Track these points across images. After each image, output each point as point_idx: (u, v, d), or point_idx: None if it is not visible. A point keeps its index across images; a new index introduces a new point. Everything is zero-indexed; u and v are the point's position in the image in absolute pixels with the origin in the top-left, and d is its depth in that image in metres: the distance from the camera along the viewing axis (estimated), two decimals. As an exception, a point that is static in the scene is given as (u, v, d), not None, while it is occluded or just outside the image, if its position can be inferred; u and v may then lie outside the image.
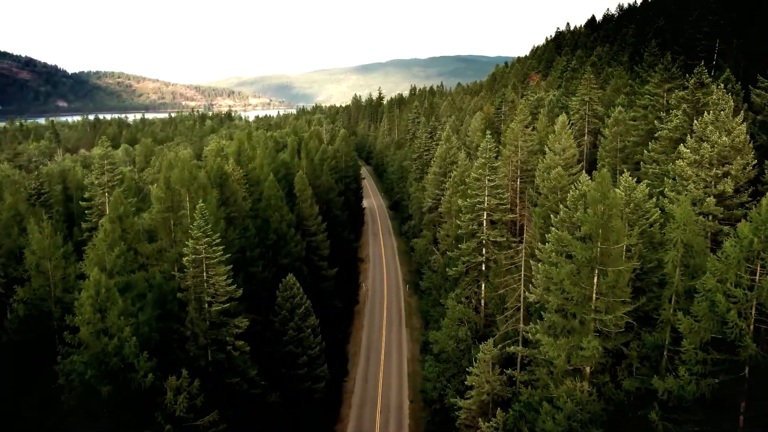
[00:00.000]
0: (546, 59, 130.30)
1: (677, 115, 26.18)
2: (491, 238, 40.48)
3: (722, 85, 27.38)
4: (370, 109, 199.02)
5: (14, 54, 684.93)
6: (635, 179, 23.59)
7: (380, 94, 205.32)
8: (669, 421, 16.73)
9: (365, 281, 75.90)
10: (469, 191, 41.87)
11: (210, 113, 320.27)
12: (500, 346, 30.46)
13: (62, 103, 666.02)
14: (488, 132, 58.02)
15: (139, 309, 22.95)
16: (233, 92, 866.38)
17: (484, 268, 42.31)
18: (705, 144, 23.14)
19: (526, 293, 25.71)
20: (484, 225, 41.50)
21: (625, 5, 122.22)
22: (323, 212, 61.17)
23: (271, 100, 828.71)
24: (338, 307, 47.90)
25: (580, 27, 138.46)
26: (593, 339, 18.51)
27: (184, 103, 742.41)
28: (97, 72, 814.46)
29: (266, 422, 29.81)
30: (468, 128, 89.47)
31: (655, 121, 33.51)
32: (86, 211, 43.54)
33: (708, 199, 22.60)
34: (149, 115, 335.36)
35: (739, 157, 23.51)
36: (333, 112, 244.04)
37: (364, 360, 54.91)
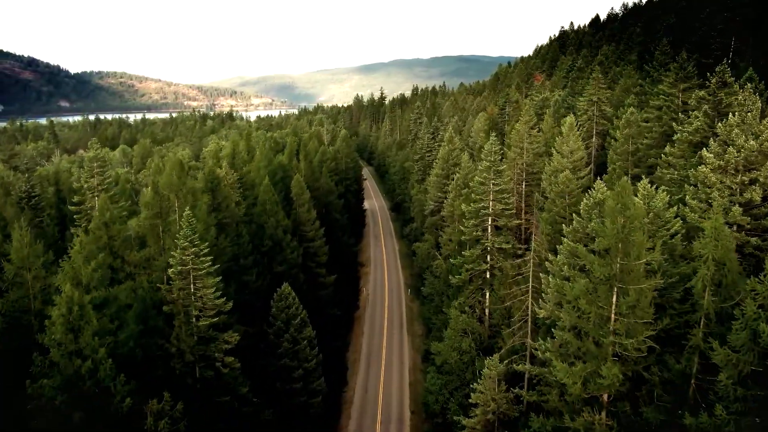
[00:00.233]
0: (550, 59, 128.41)
1: (697, 117, 24.41)
2: (496, 245, 38.68)
3: (747, 84, 25.50)
4: (372, 110, 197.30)
5: (17, 54, 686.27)
6: (653, 186, 21.74)
7: (382, 94, 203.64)
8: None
9: (366, 285, 74.24)
10: (473, 195, 40.08)
11: (211, 113, 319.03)
12: (507, 362, 28.66)
13: (65, 103, 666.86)
14: (492, 133, 56.37)
15: (118, 326, 21.25)
16: (236, 92, 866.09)
17: (488, 276, 40.51)
18: (730, 148, 21.33)
19: (536, 308, 23.89)
20: (489, 231, 39.70)
21: (630, 4, 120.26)
22: (322, 216, 59.43)
23: (273, 100, 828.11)
24: (337, 315, 46.12)
25: (584, 26, 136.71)
26: (613, 365, 16.75)
27: (186, 103, 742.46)
28: (100, 72, 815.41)
29: (259, 441, 28.16)
30: (471, 129, 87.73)
31: (672, 123, 31.65)
32: (75, 216, 41.92)
33: (734, 208, 20.79)
34: (150, 115, 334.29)
35: (768, 163, 21.70)
36: (335, 113, 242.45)
37: (364, 368, 53.19)
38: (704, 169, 22.04)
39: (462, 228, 40.53)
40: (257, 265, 37.33)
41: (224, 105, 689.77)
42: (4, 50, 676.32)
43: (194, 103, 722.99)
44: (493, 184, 38.95)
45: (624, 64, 66.12)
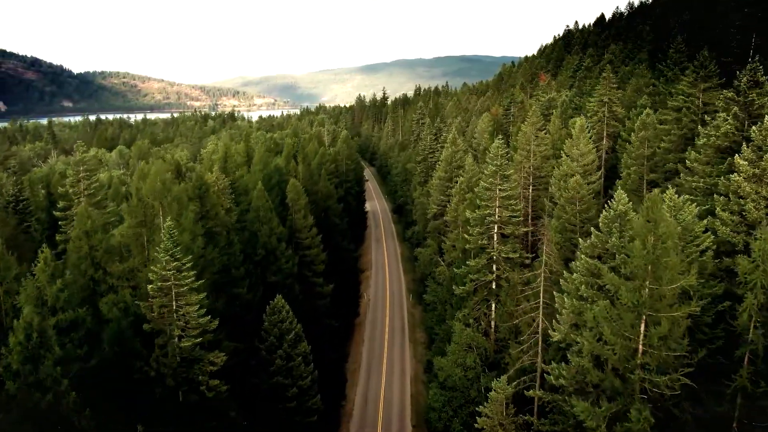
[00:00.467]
0: (555, 58, 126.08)
1: (726, 119, 22.30)
2: (503, 254, 36.49)
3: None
4: (374, 110, 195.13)
5: (20, 54, 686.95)
6: (680, 197, 19.54)
7: (384, 94, 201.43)
8: None
9: (367, 290, 72.21)
10: (478, 201, 37.89)
11: (213, 113, 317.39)
12: (515, 383, 26.50)
13: (67, 103, 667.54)
14: (498, 136, 54.10)
15: (88, 351, 19.18)
16: (238, 92, 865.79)
17: (494, 287, 38.33)
18: (767, 155, 19.18)
19: (548, 327, 21.73)
20: (495, 239, 37.51)
21: (636, 3, 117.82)
22: (321, 220, 57.30)
23: (275, 100, 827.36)
24: (335, 326, 44.00)
25: (589, 25, 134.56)
26: (643, 407, 14.62)
27: (189, 103, 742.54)
28: (103, 72, 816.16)
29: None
30: (474, 130, 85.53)
31: (697, 126, 29.44)
32: (60, 222, 39.95)
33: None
34: (152, 116, 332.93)
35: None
36: (337, 113, 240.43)
37: (364, 379, 51.10)
38: (737, 177, 19.85)
39: (466, 236, 38.37)
40: (249, 275, 35.25)
41: (227, 105, 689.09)
42: (8, 50, 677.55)
43: (197, 104, 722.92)
44: (500, 189, 36.77)
45: (634, 64, 63.79)
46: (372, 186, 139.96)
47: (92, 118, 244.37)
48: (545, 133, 51.60)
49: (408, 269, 78.38)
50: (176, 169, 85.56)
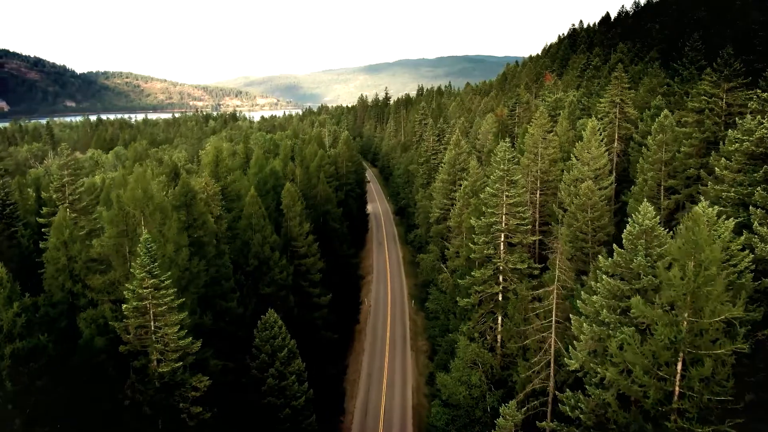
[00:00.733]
0: (560, 58, 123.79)
1: (762, 123, 20.10)
2: (510, 265, 34.30)
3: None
4: (377, 110, 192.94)
5: (23, 54, 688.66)
6: (713, 208, 17.28)
7: (387, 94, 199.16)
8: None
9: (368, 296, 70.23)
10: (483, 208, 35.71)
11: (215, 114, 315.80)
12: (525, 408, 24.33)
13: (70, 104, 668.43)
14: (503, 137, 51.91)
15: (49, 382, 17.13)
16: (241, 92, 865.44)
17: (501, 299, 36.13)
18: (812, 164, 17.06)
19: (561, 351, 19.56)
20: (501, 249, 35.30)
21: (643, 1, 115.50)
22: (319, 226, 55.22)
23: (278, 101, 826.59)
24: (333, 338, 41.89)
25: (594, 24, 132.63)
26: (683, 464, 12.53)
27: (192, 103, 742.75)
28: (106, 72, 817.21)
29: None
30: (478, 131, 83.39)
31: (720, 129, 27.27)
32: (43, 230, 37.88)
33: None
34: (153, 116, 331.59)
35: None
36: (339, 113, 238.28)
37: (363, 390, 49.06)
38: (777, 188, 17.73)
39: (471, 245, 36.19)
40: (241, 287, 33.18)
41: (229, 105, 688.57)
42: (11, 50, 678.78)
43: (200, 104, 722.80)
44: (507, 196, 34.57)
45: (645, 62, 61.42)
46: (374, 187, 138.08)
47: (93, 118, 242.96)
48: (553, 135, 49.39)
49: (410, 273, 76.36)
50: (173, 171, 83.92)
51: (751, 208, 18.22)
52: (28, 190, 62.36)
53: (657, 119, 32.06)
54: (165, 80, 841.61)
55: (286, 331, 30.67)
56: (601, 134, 41.02)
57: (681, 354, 13.38)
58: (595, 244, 35.72)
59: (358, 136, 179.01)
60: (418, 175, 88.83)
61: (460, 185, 60.56)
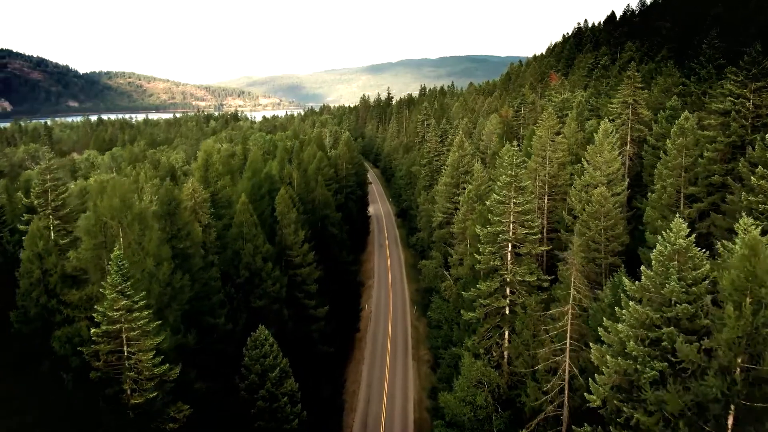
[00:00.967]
0: (565, 57, 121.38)
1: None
2: (518, 277, 32.09)
3: None
4: (379, 110, 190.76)
5: (26, 54, 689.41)
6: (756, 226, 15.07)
7: (389, 94, 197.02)
8: None
9: (368, 301, 68.21)
10: (489, 216, 33.50)
11: (216, 114, 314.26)
12: (536, 440, 22.14)
13: (73, 104, 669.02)
14: (508, 138, 49.72)
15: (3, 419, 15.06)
16: (243, 92, 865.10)
17: (508, 312, 33.93)
18: None
19: (584, 391, 17.37)
20: (509, 259, 33.09)
21: (649, 0, 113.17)
22: (317, 231, 53.13)
23: (281, 101, 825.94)
24: (330, 352, 39.79)
25: (599, 24, 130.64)
26: None
27: (194, 103, 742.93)
28: (108, 72, 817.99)
29: None
30: (482, 132, 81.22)
31: (747, 133, 25.06)
32: (23, 238, 35.83)
33: None
34: (154, 116, 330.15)
35: None
36: (340, 113, 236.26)
37: (363, 403, 46.99)
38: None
39: (476, 255, 33.99)
40: (231, 300, 31.08)
41: (232, 105, 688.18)
42: (14, 50, 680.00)
43: (202, 104, 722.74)
44: (515, 203, 32.36)
45: (655, 62, 59.07)
46: (375, 189, 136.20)
47: (94, 118, 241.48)
48: (562, 138, 47.13)
49: (412, 278, 74.32)
50: (170, 173, 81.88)
51: (796, 224, 16.08)
52: (18, 193, 60.52)
53: (677, 121, 29.82)
54: (168, 80, 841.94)
55: (278, 349, 28.57)
56: (613, 137, 38.76)
57: (733, 407, 11.29)
58: (608, 254, 33.50)
59: (360, 137, 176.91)
60: (420, 177, 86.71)
61: (464, 189, 58.35)
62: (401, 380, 50.75)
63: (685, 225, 15.49)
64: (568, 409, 21.99)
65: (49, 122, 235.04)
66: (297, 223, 36.96)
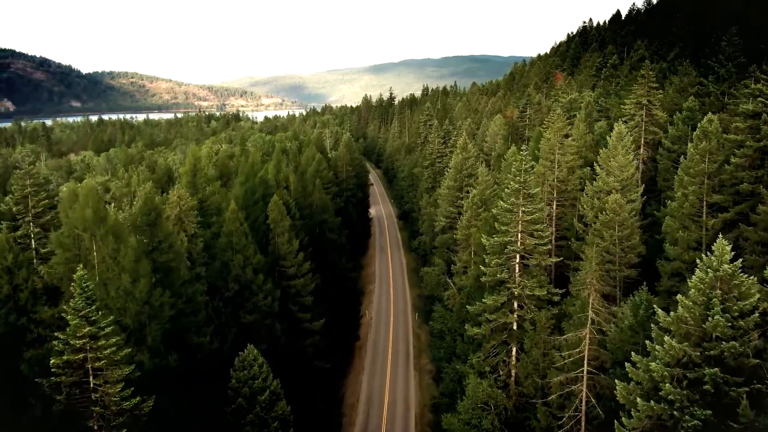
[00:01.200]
0: (571, 56, 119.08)
1: None
2: (527, 291, 29.88)
3: None
4: (381, 110, 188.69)
5: (29, 54, 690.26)
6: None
7: (391, 94, 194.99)
8: None
9: (369, 307, 66.22)
10: (496, 225, 31.29)
11: (218, 114, 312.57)
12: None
13: (76, 104, 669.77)
14: (513, 140, 47.49)
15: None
16: (246, 92, 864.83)
17: (515, 328, 31.71)
18: None
19: (595, 406, 15.16)
20: (517, 272, 30.87)
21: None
22: (315, 237, 51.01)
23: (283, 100, 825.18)
24: (327, 368, 37.68)
25: (605, 23, 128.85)
26: None
27: (197, 103, 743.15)
28: (111, 72, 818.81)
29: None
30: (486, 133, 79.04)
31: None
32: (2, 247, 33.79)
33: None
34: (158, 116, 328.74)
35: None
36: (342, 113, 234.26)
37: (363, 415, 44.97)
38: None
39: (482, 267, 31.79)
40: (219, 315, 28.98)
41: (234, 105, 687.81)
42: (17, 50, 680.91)
43: (205, 103, 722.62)
44: (523, 211, 30.15)
45: (668, 61, 56.70)
46: (377, 190, 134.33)
47: (94, 118, 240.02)
48: (571, 140, 44.87)
49: (414, 283, 72.30)
50: (167, 174, 79.84)
51: None
52: (7, 198, 58.59)
53: (699, 124, 27.58)
54: (170, 80, 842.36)
55: (267, 370, 26.45)
56: (627, 139, 36.49)
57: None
58: (623, 266, 31.27)
59: (362, 137, 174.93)
60: (422, 179, 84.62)
61: (468, 193, 56.20)
62: (402, 392, 48.72)
63: (729, 248, 13.29)
64: (585, 444, 19.87)
65: (50, 122, 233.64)
66: (291, 232, 34.83)
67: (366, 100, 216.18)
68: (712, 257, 13.28)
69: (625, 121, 40.36)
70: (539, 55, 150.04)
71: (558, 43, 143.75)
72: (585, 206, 35.90)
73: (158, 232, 24.22)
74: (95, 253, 22.10)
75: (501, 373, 31.38)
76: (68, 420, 18.64)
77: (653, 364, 13.50)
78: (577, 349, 19.98)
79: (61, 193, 42.04)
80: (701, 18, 68.29)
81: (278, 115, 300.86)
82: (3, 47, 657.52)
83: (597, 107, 58.30)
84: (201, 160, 34.97)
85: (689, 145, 27.93)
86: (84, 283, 16.89)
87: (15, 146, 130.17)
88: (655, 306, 15.17)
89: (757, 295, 12.64)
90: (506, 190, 31.57)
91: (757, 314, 12.61)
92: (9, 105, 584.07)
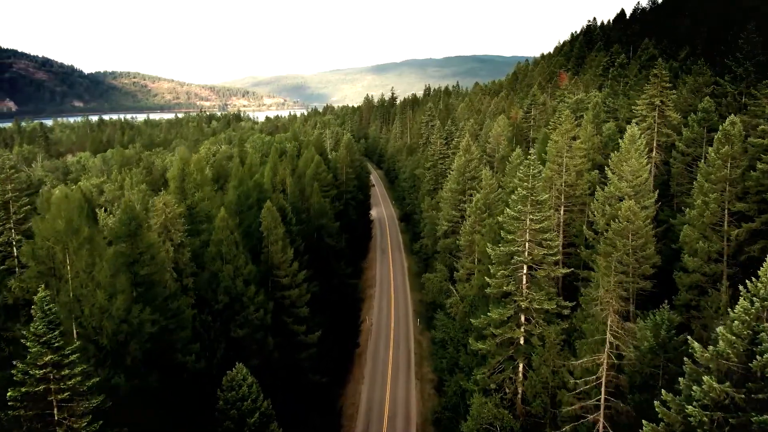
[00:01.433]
0: (575, 56, 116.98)
1: None
2: (535, 304, 28.05)
3: None
4: (383, 110, 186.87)
5: (31, 54, 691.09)
6: None
7: (393, 94, 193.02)
8: None
9: (369, 312, 64.44)
10: (502, 233, 29.47)
11: (219, 114, 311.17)
12: None
13: (78, 104, 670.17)
14: (517, 142, 45.65)
15: None
16: (248, 92, 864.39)
17: (522, 343, 29.86)
18: None
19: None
20: (524, 283, 29.03)
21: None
22: (313, 242, 49.24)
23: (285, 101, 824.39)
24: (323, 382, 35.88)
25: (609, 22, 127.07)
26: None
27: (199, 103, 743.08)
28: (113, 72, 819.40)
29: None
30: (489, 134, 77.15)
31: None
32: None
33: None
34: (159, 116, 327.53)
35: None
36: (344, 114, 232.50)
37: (361, 429, 43.14)
38: None
39: (486, 277, 29.96)
40: (207, 330, 27.20)
41: (236, 105, 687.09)
42: (19, 50, 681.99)
43: (207, 103, 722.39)
44: (531, 219, 28.31)
45: (679, 60, 54.75)
46: (378, 191, 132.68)
47: (94, 118, 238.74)
48: (580, 143, 42.96)
49: (416, 286, 70.53)
50: (164, 177, 78.22)
51: None
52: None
53: (721, 127, 25.71)
54: (172, 80, 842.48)
55: (257, 390, 24.67)
56: (640, 142, 34.58)
57: None
58: (638, 277, 29.38)
59: (363, 138, 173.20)
60: (424, 181, 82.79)
61: (471, 196, 54.40)
62: (403, 403, 46.94)
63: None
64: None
65: (50, 122, 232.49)
66: (285, 239, 33.03)
67: (368, 101, 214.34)
68: (758, 283, 11.42)
69: (637, 123, 38.42)
70: (542, 54, 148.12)
71: (562, 42, 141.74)
72: (596, 213, 34.03)
73: (139, 242, 22.49)
74: (68, 267, 20.34)
75: (507, 390, 29.54)
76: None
77: (690, 407, 11.63)
78: (594, 376, 18.18)
79: (46, 197, 40.54)
80: (710, 16, 66.23)
81: (280, 115, 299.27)
82: (5, 47, 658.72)
83: (605, 108, 56.36)
84: (190, 164, 33.25)
85: (709, 149, 26.06)
86: (46, 305, 15.13)
87: (13, 147, 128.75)
88: (689, 338, 13.22)
89: (813, 329, 10.88)
90: (513, 196, 29.72)
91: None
92: (11, 105, 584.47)
